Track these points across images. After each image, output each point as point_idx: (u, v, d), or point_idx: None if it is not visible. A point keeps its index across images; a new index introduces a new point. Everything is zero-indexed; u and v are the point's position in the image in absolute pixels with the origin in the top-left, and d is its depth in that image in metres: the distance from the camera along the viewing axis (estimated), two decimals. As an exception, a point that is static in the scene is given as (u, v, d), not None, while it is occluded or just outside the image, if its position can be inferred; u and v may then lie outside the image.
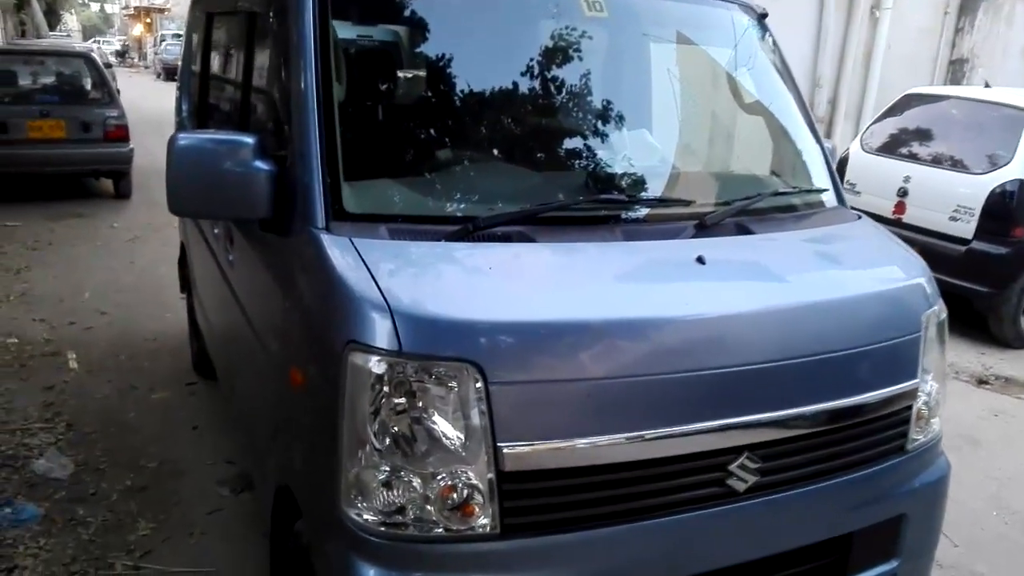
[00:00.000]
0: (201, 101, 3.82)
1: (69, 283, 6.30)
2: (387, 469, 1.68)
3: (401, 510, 1.69)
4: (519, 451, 1.69)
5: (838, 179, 2.72)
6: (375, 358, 1.66)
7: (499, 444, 1.68)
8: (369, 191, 2.07)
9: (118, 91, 9.76)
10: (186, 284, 4.72)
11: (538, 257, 1.94)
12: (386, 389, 1.66)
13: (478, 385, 1.66)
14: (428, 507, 1.69)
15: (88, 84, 9.36)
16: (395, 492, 1.69)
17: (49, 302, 5.85)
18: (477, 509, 1.70)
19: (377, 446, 1.68)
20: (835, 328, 2.03)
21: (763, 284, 2.07)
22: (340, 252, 1.83)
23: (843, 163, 6.93)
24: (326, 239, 1.88)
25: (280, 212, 2.07)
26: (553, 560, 1.77)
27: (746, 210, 2.30)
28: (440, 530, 1.70)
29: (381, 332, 1.66)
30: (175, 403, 4.33)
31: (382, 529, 1.70)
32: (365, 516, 1.70)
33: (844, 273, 2.29)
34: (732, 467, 1.89)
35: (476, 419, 1.68)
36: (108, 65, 14.88)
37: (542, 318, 1.74)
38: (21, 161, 8.37)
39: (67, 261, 6.96)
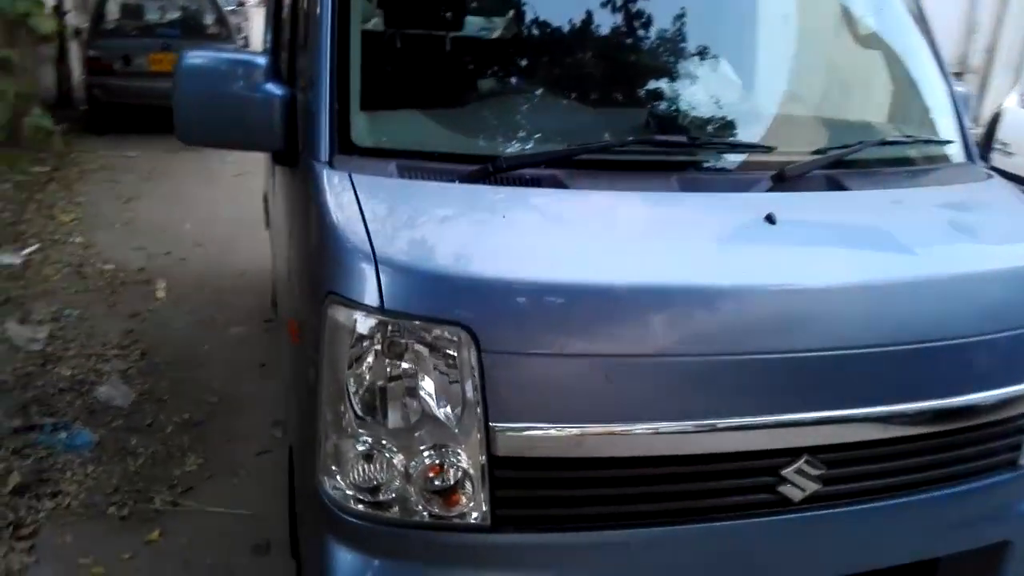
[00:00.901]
0: (273, 32, 3.67)
1: (173, 214, 6.44)
2: (367, 440, 1.46)
3: (380, 488, 1.47)
4: (515, 434, 1.43)
5: (968, 130, 2.25)
6: (354, 314, 1.43)
7: (492, 424, 1.43)
8: (383, 122, 1.82)
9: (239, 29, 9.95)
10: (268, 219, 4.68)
11: (566, 206, 1.64)
12: (365, 350, 1.43)
13: (470, 354, 1.40)
14: (410, 488, 1.46)
15: (208, 20, 9.55)
16: (375, 467, 1.47)
17: (151, 231, 5.98)
18: (464, 496, 1.46)
19: (356, 413, 1.46)
20: (939, 312, 1.64)
21: (849, 252, 1.69)
22: (335, 189, 1.60)
23: (995, 120, 6.14)
24: (325, 174, 1.65)
25: (292, 144, 1.86)
26: (552, 562, 1.52)
27: (842, 161, 1.91)
28: (424, 516, 1.47)
29: (362, 285, 1.43)
30: (249, 340, 4.30)
31: (360, 508, 1.49)
32: (343, 491, 1.49)
33: (961, 243, 1.87)
34: (786, 472, 1.56)
35: (466, 393, 1.42)
36: (241, 3, 15.23)
37: (555, 279, 1.45)
38: (143, 93, 8.64)
39: (175, 193, 7.13)
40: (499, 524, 1.48)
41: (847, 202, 1.83)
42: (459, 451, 1.45)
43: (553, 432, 1.43)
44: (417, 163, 1.69)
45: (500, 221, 1.57)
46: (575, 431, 1.44)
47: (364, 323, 1.42)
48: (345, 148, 1.71)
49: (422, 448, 1.45)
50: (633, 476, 1.50)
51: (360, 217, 1.51)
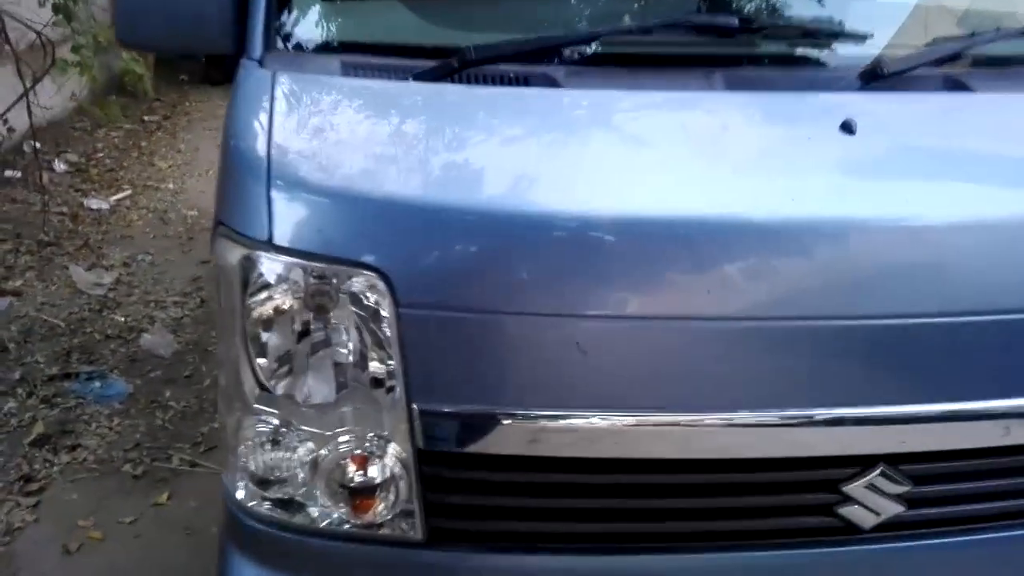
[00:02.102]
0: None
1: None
2: (266, 421, 1.10)
3: (282, 485, 1.12)
4: (451, 421, 1.04)
5: None
6: (240, 251, 1.06)
7: (417, 407, 1.04)
8: (329, 11, 1.42)
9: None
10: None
11: (555, 112, 1.20)
12: (256, 299, 1.07)
13: (385, 309, 1.01)
14: (317, 485, 1.10)
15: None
16: (276, 457, 1.12)
17: (241, 178, 5.89)
18: (386, 501, 1.09)
19: (253, 382, 1.10)
20: None
21: (966, 177, 1.16)
22: (252, 92, 1.23)
23: None
24: (248, 75, 1.28)
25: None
26: None
27: (965, 54, 1.36)
28: (338, 523, 1.11)
29: (250, 212, 1.05)
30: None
31: (262, 510, 1.14)
32: (244, 487, 1.15)
33: None
34: (851, 487, 1.09)
35: (381, 364, 1.04)
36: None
37: (509, 208, 1.03)
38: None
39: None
40: (435, 539, 1.10)
41: (965, 108, 1.29)
42: (377, 442, 1.07)
43: (504, 421, 1.03)
44: (366, 58, 1.29)
45: (453, 131, 1.15)
46: (534, 421, 1.03)
47: (252, 263, 1.05)
48: (279, 42, 1.34)
49: (331, 435, 1.08)
50: (617, 485, 1.08)
51: (266, 126, 1.13)
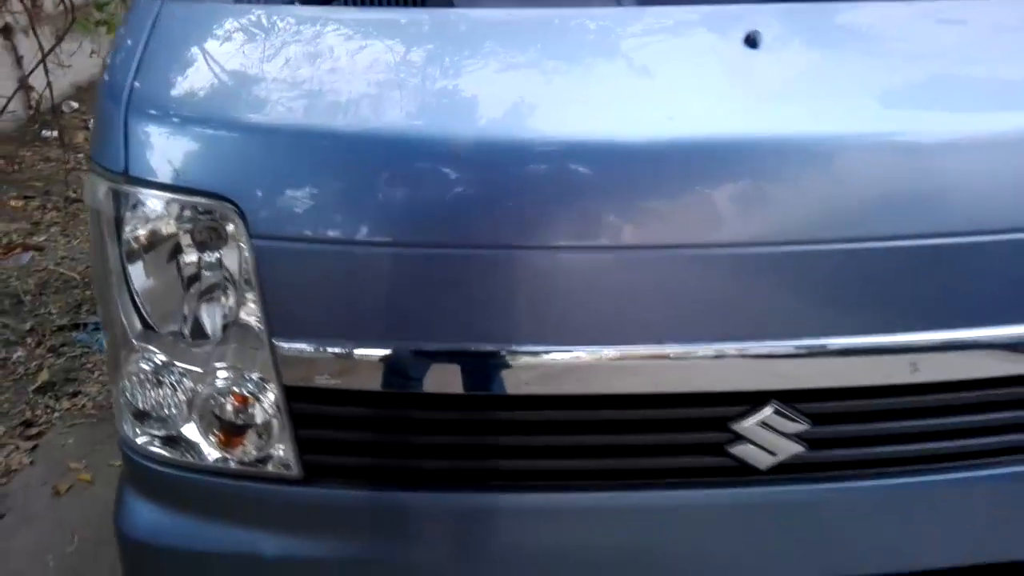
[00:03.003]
0: None
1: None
2: (142, 357, 1.09)
3: (165, 421, 1.11)
4: (314, 356, 1.01)
5: None
6: (104, 184, 1.05)
7: (278, 343, 1.01)
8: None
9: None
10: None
11: (435, 32, 1.13)
12: (118, 232, 1.05)
13: (239, 240, 0.98)
14: (196, 422, 1.09)
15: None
16: (155, 393, 1.10)
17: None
18: (260, 437, 1.07)
19: (118, 316, 1.08)
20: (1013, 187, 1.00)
21: (865, 92, 1.06)
22: (136, 22, 1.18)
23: None
24: (137, 3, 1.24)
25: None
26: (387, 527, 1.10)
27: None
28: (219, 460, 1.10)
29: (111, 145, 1.03)
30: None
31: (152, 449, 1.13)
32: (130, 425, 1.14)
33: None
34: (740, 426, 1.03)
35: (237, 296, 1.01)
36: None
37: (369, 129, 0.97)
38: None
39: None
40: (313, 476, 1.08)
41: (878, 18, 1.17)
42: (248, 379, 1.05)
43: (361, 357, 0.99)
44: None
45: (322, 56, 1.10)
46: (391, 357, 0.99)
47: (113, 196, 1.03)
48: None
49: (205, 372, 1.06)
50: (494, 422, 1.04)
51: (138, 56, 1.10)
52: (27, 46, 5.08)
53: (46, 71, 4.46)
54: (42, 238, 3.97)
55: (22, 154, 5.03)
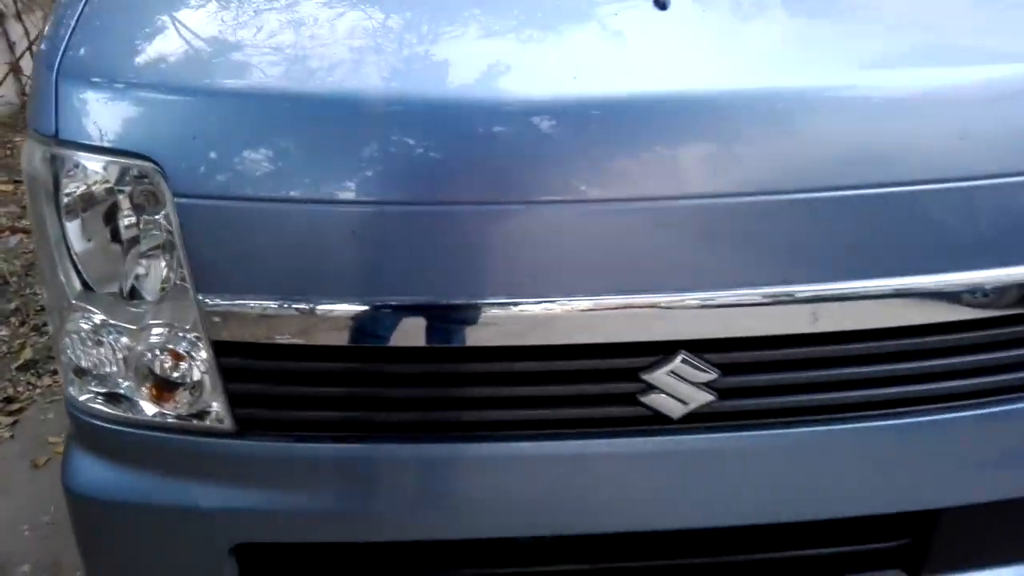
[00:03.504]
0: None
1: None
2: (80, 316, 1.13)
3: (104, 378, 1.15)
4: (238, 311, 1.04)
5: None
6: (35, 147, 1.09)
7: (203, 298, 1.05)
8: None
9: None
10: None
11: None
12: (56, 195, 1.09)
13: (163, 198, 1.02)
14: (132, 378, 1.13)
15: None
16: (93, 351, 1.15)
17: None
18: (193, 393, 1.11)
19: (56, 275, 1.12)
20: (924, 140, 1.04)
21: (771, 50, 1.09)
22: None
23: None
24: None
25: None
26: (321, 478, 1.14)
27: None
28: (156, 415, 1.14)
29: (43, 109, 1.07)
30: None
31: (94, 405, 1.17)
32: (73, 383, 1.18)
33: (977, 32, 1.18)
34: (651, 376, 1.07)
35: (165, 254, 1.05)
36: None
37: (278, 88, 1.01)
38: None
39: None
40: (246, 429, 1.12)
41: None
42: (180, 335, 1.09)
43: (288, 310, 1.03)
44: None
45: (250, 13, 1.13)
46: (311, 312, 1.03)
47: (47, 160, 1.07)
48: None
49: (139, 329, 1.11)
50: (417, 374, 1.08)
51: (73, 21, 1.13)
52: (18, 32, 5.12)
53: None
54: (30, 222, 4.01)
55: (13, 139, 5.07)
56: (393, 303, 1.02)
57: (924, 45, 1.12)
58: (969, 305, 1.08)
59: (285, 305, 1.03)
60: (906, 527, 1.24)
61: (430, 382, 1.08)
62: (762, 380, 1.09)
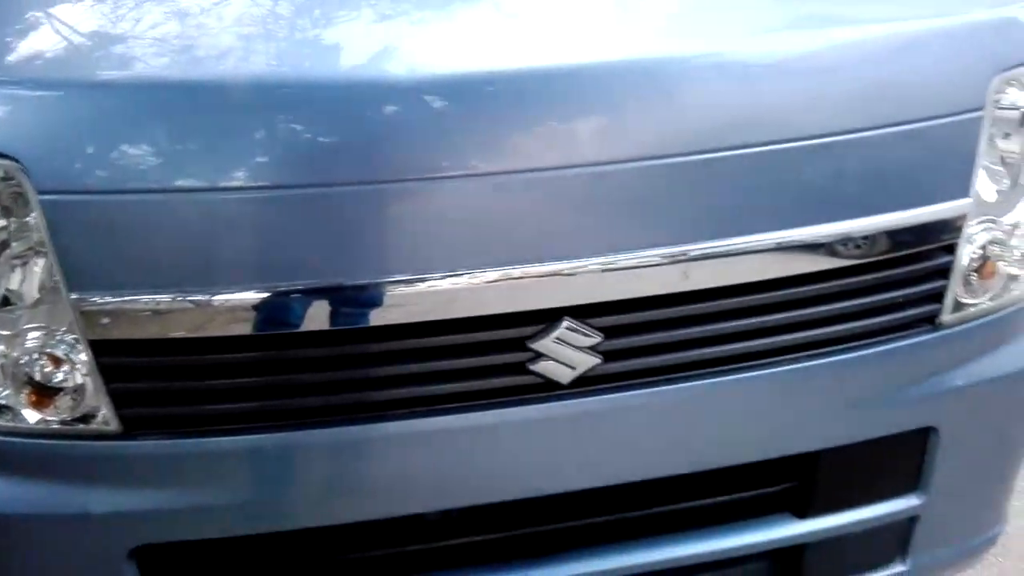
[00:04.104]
0: None
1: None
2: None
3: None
4: (109, 309, 1.02)
5: None
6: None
7: (76, 296, 1.02)
8: None
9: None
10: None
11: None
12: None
13: (28, 195, 0.99)
14: (9, 385, 1.09)
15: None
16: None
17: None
18: (72, 395, 1.08)
19: None
20: (778, 98, 1.11)
21: (645, 15, 1.15)
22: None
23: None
24: None
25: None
26: (219, 470, 1.13)
27: None
28: (38, 421, 1.11)
29: None
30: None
31: None
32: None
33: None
34: (538, 344, 1.10)
35: (35, 254, 1.03)
36: None
37: (129, 85, 1.00)
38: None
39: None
40: (132, 429, 1.10)
41: None
42: (56, 337, 1.06)
43: (155, 305, 1.01)
44: None
45: (108, 3, 1.11)
46: (196, 301, 1.02)
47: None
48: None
49: (14, 335, 1.07)
50: (308, 359, 1.08)
51: None
52: None
53: None
54: None
55: None
56: (280, 288, 1.02)
57: (786, 13, 1.20)
58: (831, 255, 1.16)
59: (174, 298, 1.01)
60: (791, 471, 1.31)
61: (326, 366, 1.08)
62: (643, 340, 1.13)
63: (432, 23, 1.11)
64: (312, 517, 1.17)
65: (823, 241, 1.14)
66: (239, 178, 1.00)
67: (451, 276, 1.04)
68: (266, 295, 1.02)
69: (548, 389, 1.14)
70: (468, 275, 1.04)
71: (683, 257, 1.08)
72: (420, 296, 1.05)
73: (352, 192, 1.01)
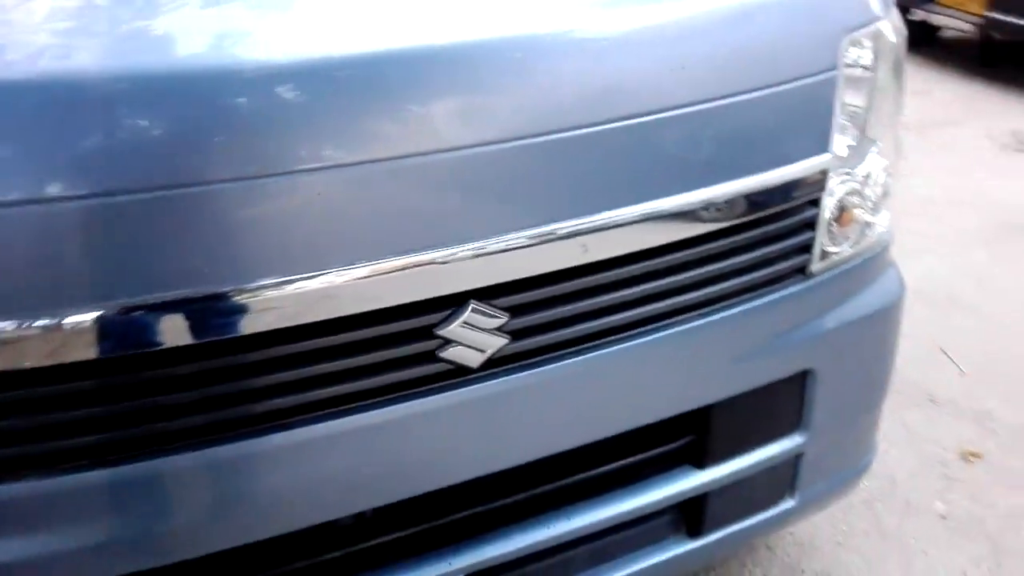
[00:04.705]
0: None
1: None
2: None
3: None
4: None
5: None
6: None
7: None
8: None
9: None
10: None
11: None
12: None
13: None
14: None
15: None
16: None
17: None
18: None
19: None
20: (638, 69, 1.14)
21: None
22: None
23: None
24: None
25: None
26: (85, 510, 1.02)
27: None
28: None
29: None
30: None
31: None
32: None
33: None
34: (445, 330, 1.09)
35: None
36: None
37: None
38: None
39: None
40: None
41: None
42: None
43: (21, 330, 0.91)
44: None
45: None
46: (60, 325, 0.92)
47: None
48: None
49: None
50: (193, 374, 1.00)
51: None
52: None
53: None
54: None
55: None
56: (156, 300, 0.93)
57: None
58: (714, 218, 1.22)
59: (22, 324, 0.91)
60: (688, 426, 1.38)
61: (219, 378, 1.02)
62: (546, 316, 1.15)
63: (286, 9, 1.06)
64: (214, 541, 1.10)
65: (706, 204, 1.19)
66: (65, 186, 0.89)
67: (346, 270, 1.00)
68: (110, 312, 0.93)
69: (459, 375, 1.13)
70: (368, 266, 1.01)
71: (578, 231, 1.10)
72: (317, 294, 0.99)
73: (227, 190, 0.94)
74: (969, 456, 2.33)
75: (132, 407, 0.99)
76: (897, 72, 1.43)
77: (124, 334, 0.94)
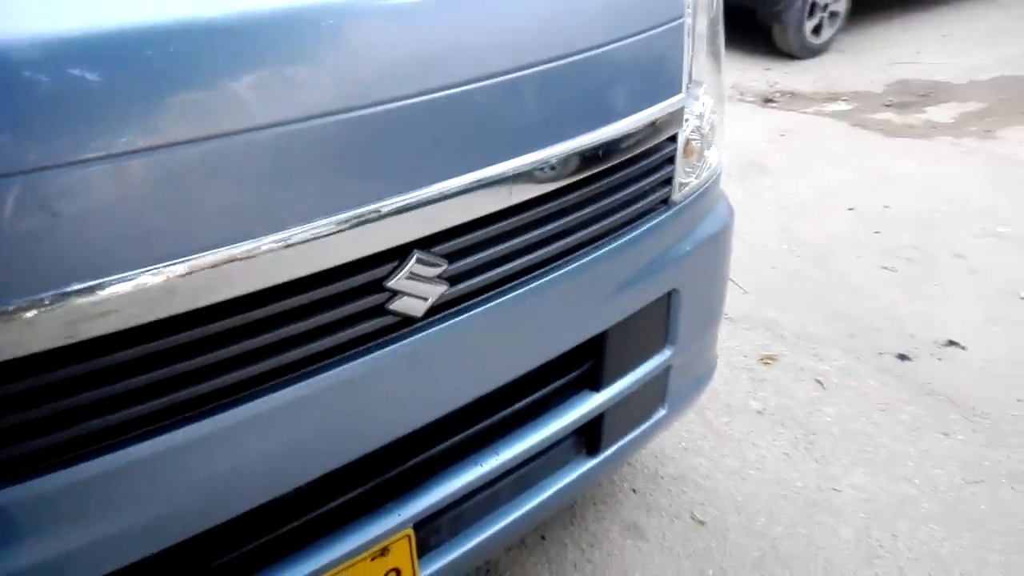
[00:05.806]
0: None
1: None
2: None
3: None
4: None
5: None
6: None
7: None
8: None
9: None
10: None
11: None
12: None
13: None
14: None
15: None
16: None
17: None
18: None
19: None
20: (528, 24, 1.21)
21: None
22: None
23: None
24: None
25: None
26: (66, 509, 0.98)
27: None
28: None
29: None
30: None
31: None
32: None
33: None
34: (394, 282, 1.13)
35: None
36: None
37: None
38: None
39: None
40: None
41: None
42: None
43: None
44: None
45: None
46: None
47: None
48: None
49: None
50: (149, 355, 0.96)
51: None
52: None
53: None
54: None
55: None
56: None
57: None
58: (602, 159, 1.33)
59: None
60: (586, 353, 1.51)
61: (167, 359, 0.98)
62: (476, 260, 1.21)
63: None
64: (170, 534, 1.06)
65: (602, 144, 1.31)
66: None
67: (288, 233, 0.99)
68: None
69: (403, 327, 1.17)
70: (307, 228, 1.00)
71: (505, 177, 1.18)
72: (257, 262, 0.96)
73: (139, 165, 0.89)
74: (767, 360, 2.72)
75: (94, 396, 0.94)
76: (714, 18, 1.64)
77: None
